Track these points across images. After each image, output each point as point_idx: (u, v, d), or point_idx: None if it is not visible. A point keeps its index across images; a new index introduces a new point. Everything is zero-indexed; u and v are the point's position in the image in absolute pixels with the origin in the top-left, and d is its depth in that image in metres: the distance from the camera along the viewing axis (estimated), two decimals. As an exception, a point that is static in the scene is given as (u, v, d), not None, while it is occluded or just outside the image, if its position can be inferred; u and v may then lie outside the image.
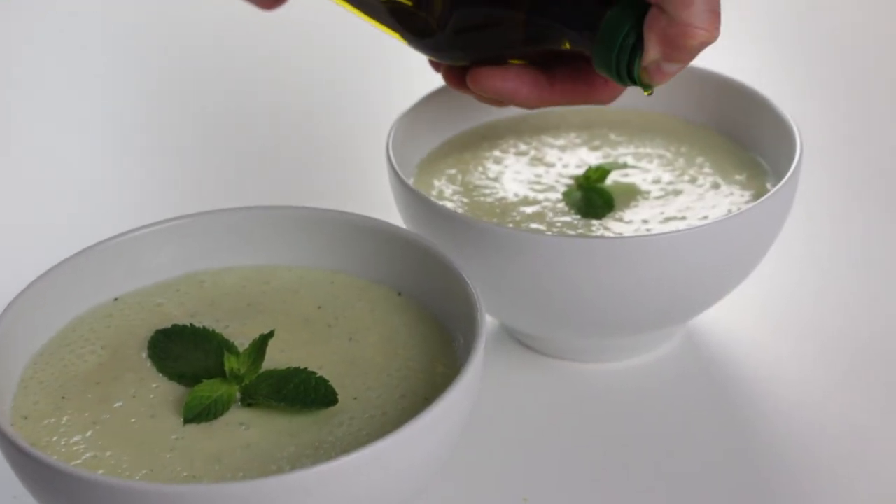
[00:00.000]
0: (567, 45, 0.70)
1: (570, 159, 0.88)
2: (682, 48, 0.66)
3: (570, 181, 0.85)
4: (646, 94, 0.70)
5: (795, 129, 0.83)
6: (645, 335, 0.82)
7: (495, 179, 0.85)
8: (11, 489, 0.73)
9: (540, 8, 0.70)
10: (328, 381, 0.65)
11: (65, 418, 0.66)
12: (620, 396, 0.81)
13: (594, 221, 0.81)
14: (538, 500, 0.74)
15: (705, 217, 0.81)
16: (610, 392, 0.82)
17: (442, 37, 0.72)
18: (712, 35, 0.66)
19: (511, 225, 0.80)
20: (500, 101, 0.74)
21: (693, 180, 0.85)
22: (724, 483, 0.75)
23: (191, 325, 0.70)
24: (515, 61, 0.73)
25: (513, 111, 0.92)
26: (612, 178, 0.85)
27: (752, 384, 0.82)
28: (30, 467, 0.60)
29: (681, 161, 0.87)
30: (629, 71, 0.68)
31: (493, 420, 0.79)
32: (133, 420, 0.65)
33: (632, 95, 0.92)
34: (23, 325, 0.69)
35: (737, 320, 0.87)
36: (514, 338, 0.86)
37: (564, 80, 0.73)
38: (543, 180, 0.85)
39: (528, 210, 0.82)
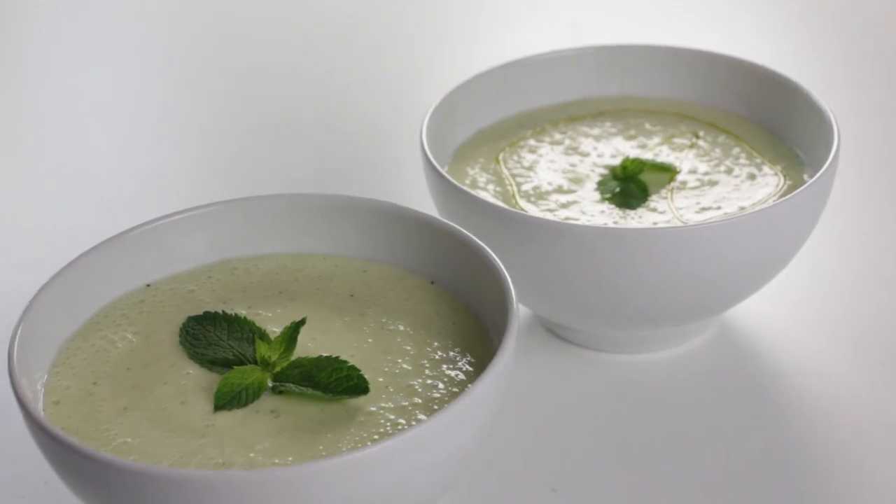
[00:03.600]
0: None
1: (605, 149, 0.87)
2: None
3: (605, 171, 0.85)
4: None
5: (833, 119, 0.82)
6: (678, 327, 0.82)
7: (530, 168, 0.85)
8: (43, 475, 0.74)
9: None
10: (359, 370, 0.65)
11: (96, 403, 0.66)
12: (653, 388, 0.81)
13: (629, 212, 0.80)
14: (567, 491, 0.73)
15: (741, 208, 0.80)
16: (642, 384, 0.81)
17: None
18: None
19: (544, 214, 0.80)
20: None
21: (729, 171, 0.84)
22: (755, 478, 0.74)
23: (223, 311, 0.70)
24: None
25: (548, 100, 0.91)
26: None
27: (786, 378, 0.81)
28: (60, 453, 0.60)
29: (717, 151, 0.86)
30: None
31: (524, 410, 0.79)
32: (164, 406, 0.65)
33: (667, 85, 0.92)
34: (55, 310, 0.69)
35: (772, 312, 0.86)
36: (546, 327, 0.85)
37: None
38: (578, 169, 0.85)
39: (563, 199, 0.82)
